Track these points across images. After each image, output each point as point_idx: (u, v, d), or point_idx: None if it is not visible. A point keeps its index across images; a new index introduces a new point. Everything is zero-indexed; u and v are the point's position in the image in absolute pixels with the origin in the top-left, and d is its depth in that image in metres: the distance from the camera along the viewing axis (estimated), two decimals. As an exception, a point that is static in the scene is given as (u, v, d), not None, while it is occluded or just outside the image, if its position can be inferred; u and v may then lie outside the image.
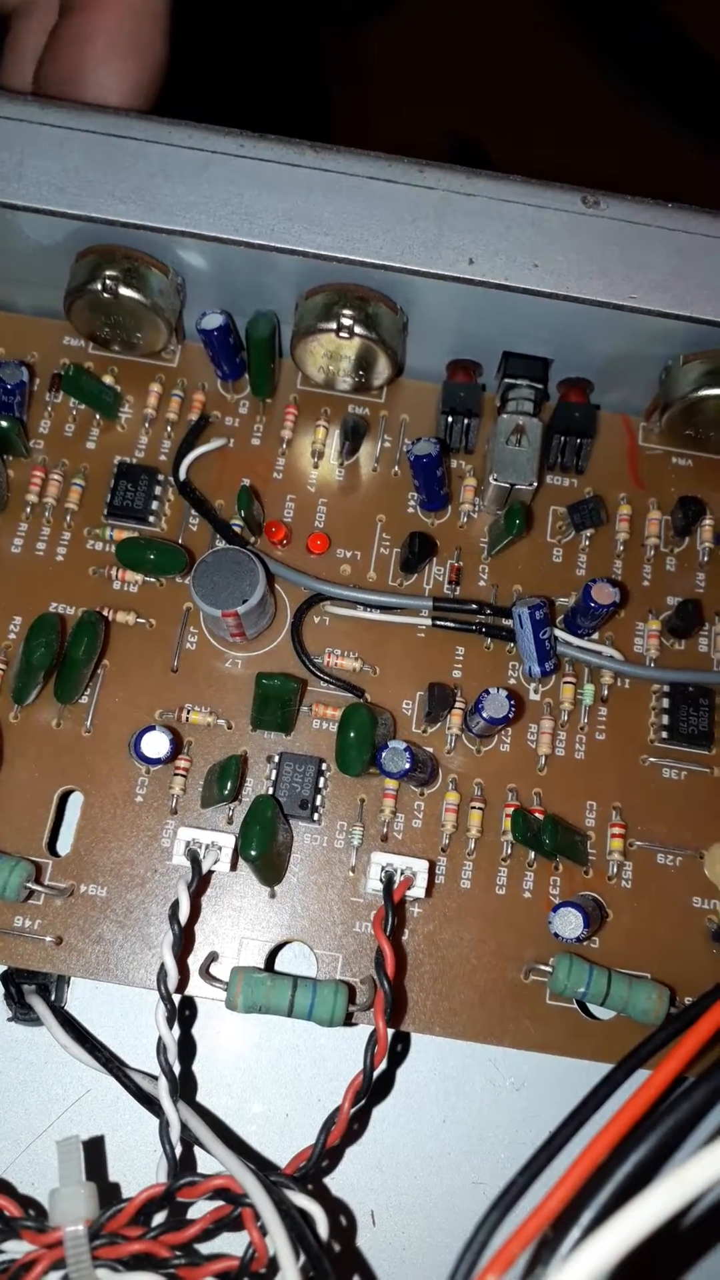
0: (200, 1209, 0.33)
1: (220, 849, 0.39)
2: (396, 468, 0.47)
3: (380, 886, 0.38)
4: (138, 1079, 0.37)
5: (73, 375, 0.45)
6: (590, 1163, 0.26)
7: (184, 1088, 0.38)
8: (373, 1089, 0.35)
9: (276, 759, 0.42)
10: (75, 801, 0.41)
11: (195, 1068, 0.41)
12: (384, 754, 0.38)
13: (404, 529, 0.45)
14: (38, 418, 0.46)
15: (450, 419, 0.45)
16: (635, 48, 1.27)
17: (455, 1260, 0.27)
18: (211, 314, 0.44)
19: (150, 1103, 0.37)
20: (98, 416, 0.46)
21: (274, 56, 1.10)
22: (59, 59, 0.46)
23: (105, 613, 0.43)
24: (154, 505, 0.45)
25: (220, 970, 0.38)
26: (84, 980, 0.40)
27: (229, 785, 0.39)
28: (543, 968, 0.39)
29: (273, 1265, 0.31)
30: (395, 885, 0.38)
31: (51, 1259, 0.31)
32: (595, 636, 0.44)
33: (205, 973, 0.38)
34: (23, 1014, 0.39)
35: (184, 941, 0.37)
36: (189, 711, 0.42)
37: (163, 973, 0.36)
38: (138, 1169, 0.39)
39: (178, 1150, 0.34)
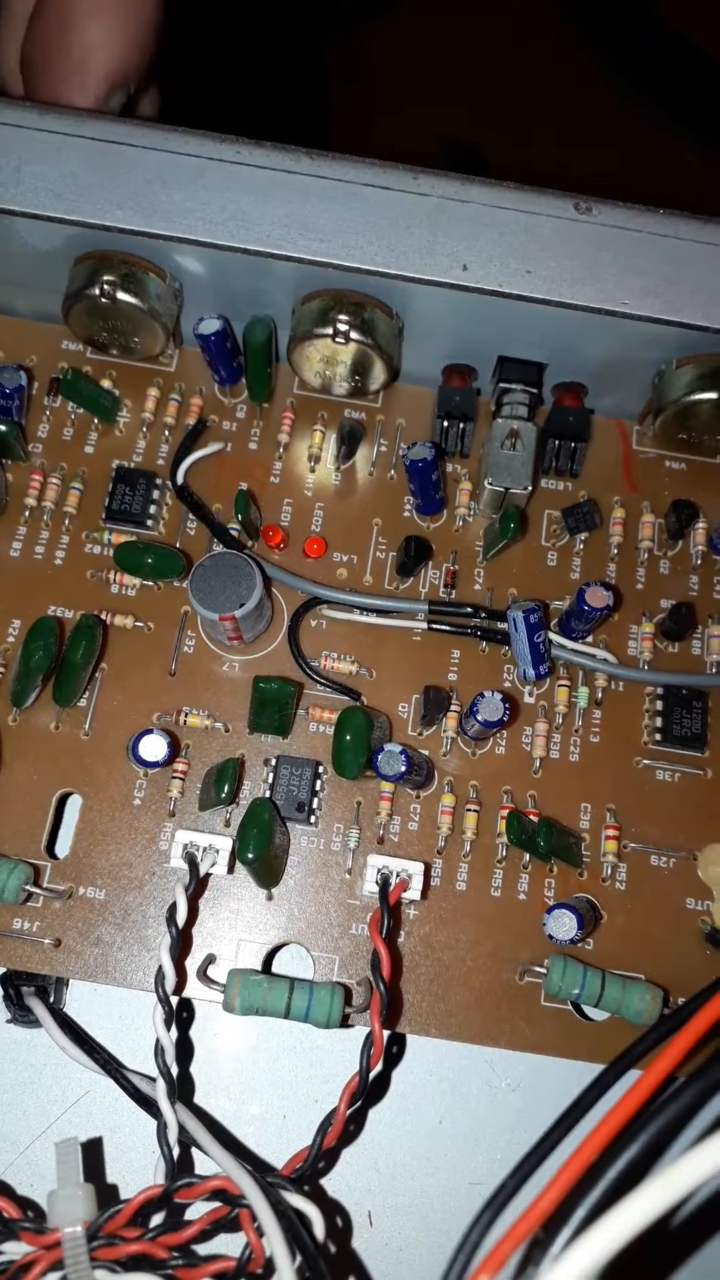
0: (198, 1210, 0.33)
1: (218, 852, 0.39)
2: (392, 472, 0.47)
3: (376, 889, 0.39)
4: (136, 1081, 0.37)
5: (71, 379, 0.45)
6: (581, 1163, 0.26)
7: (182, 1089, 0.38)
8: (369, 1090, 0.35)
9: (273, 762, 0.42)
10: (74, 804, 0.41)
11: (193, 1070, 0.41)
12: (380, 757, 0.39)
13: (400, 533, 0.45)
14: (36, 422, 0.46)
15: (445, 423, 0.46)
16: (635, 48, 1.28)
17: (448, 1261, 0.27)
18: (209, 319, 0.44)
19: (148, 1104, 0.37)
20: (96, 420, 0.47)
21: (274, 56, 1.10)
22: (46, 16, 0.46)
23: (103, 616, 0.43)
24: (152, 509, 0.45)
25: (218, 972, 0.39)
26: (82, 982, 0.40)
27: (226, 788, 0.39)
28: (537, 969, 0.39)
29: (269, 1266, 0.32)
30: (391, 887, 0.38)
31: (50, 1260, 0.31)
32: (589, 639, 0.44)
33: (203, 975, 0.38)
34: (21, 1016, 0.40)
35: (182, 944, 0.37)
36: (187, 715, 0.42)
37: (160, 975, 0.36)
38: (135, 1170, 0.40)
39: (175, 1152, 0.34)
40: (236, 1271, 0.32)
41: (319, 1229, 0.32)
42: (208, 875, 0.40)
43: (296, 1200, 0.32)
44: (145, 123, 0.43)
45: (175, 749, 0.40)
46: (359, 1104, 0.35)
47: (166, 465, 0.46)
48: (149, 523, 0.45)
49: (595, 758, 0.43)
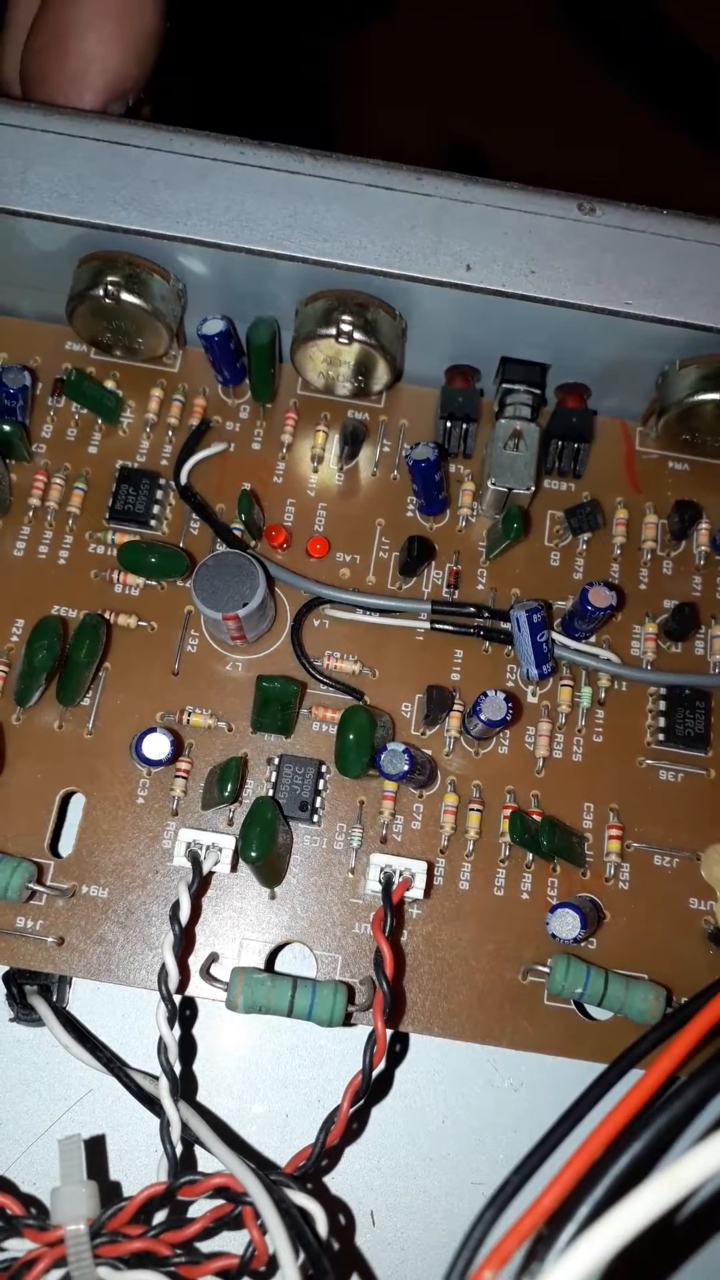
0: (201, 1208, 0.33)
1: (221, 850, 0.39)
2: (395, 472, 0.47)
3: (379, 888, 0.39)
4: (139, 1079, 0.37)
5: (75, 380, 0.45)
6: (585, 1160, 0.26)
7: (184, 1088, 0.38)
8: (372, 1089, 0.35)
9: (276, 761, 0.42)
10: (77, 803, 0.41)
11: (196, 1068, 0.41)
12: (383, 756, 0.39)
13: (403, 533, 0.45)
14: (40, 422, 0.47)
15: (449, 424, 0.46)
16: (635, 48, 1.28)
17: (451, 1257, 0.27)
18: (212, 319, 0.44)
19: (151, 1102, 0.37)
20: (100, 421, 0.47)
21: (274, 56, 1.10)
22: (44, 26, 0.46)
23: (107, 616, 0.43)
24: (155, 509, 0.45)
25: (220, 971, 0.39)
26: (85, 981, 0.40)
27: (229, 787, 0.40)
28: (540, 968, 0.39)
29: (272, 1263, 0.32)
30: (394, 886, 0.38)
31: (53, 1257, 0.32)
32: (592, 639, 0.44)
33: (206, 973, 0.39)
34: (25, 1014, 0.40)
35: (185, 942, 0.38)
36: (190, 714, 0.42)
37: (163, 973, 0.36)
38: (138, 1168, 0.40)
39: (178, 1149, 0.34)
40: (239, 1269, 0.32)
41: (322, 1227, 0.32)
42: (211, 874, 0.40)
43: (299, 1198, 0.32)
44: (149, 124, 0.43)
45: (178, 748, 0.41)
46: (362, 1103, 0.35)
47: (170, 465, 0.46)
48: (152, 523, 0.45)
49: (598, 758, 0.43)
